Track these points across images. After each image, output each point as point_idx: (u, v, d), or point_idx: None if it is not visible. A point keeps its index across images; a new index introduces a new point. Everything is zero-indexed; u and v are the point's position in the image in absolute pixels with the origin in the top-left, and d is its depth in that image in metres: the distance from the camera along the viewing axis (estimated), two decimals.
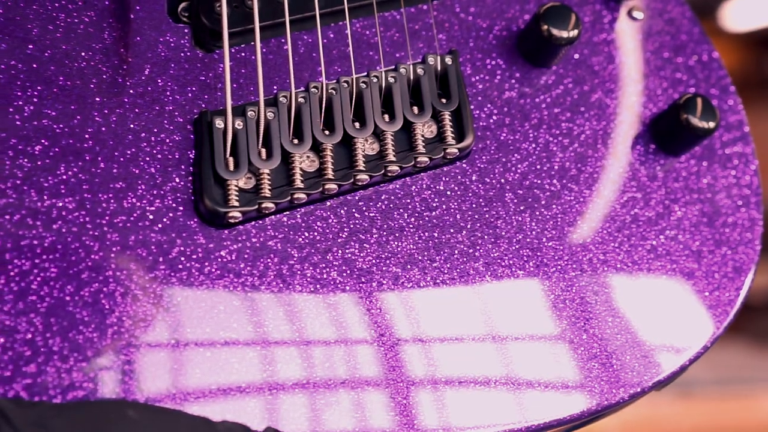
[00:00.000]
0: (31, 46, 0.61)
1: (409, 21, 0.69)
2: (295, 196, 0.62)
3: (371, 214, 0.64)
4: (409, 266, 0.63)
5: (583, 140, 0.70)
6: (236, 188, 0.61)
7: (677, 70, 0.74)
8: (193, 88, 0.63)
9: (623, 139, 0.71)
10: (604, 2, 0.74)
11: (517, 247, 0.66)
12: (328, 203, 0.63)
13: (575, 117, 0.70)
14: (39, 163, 0.59)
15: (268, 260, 0.61)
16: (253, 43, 0.65)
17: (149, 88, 0.63)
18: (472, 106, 0.68)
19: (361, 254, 0.63)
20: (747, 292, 0.70)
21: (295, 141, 0.63)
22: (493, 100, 0.69)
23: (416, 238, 0.64)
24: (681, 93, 0.73)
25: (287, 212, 0.62)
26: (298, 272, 0.61)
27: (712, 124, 0.70)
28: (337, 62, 0.66)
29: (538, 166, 0.68)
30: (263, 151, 0.62)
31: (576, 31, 0.69)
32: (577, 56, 0.72)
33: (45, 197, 0.58)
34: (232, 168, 0.61)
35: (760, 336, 1.93)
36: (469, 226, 0.65)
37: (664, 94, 0.73)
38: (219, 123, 0.62)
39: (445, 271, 0.64)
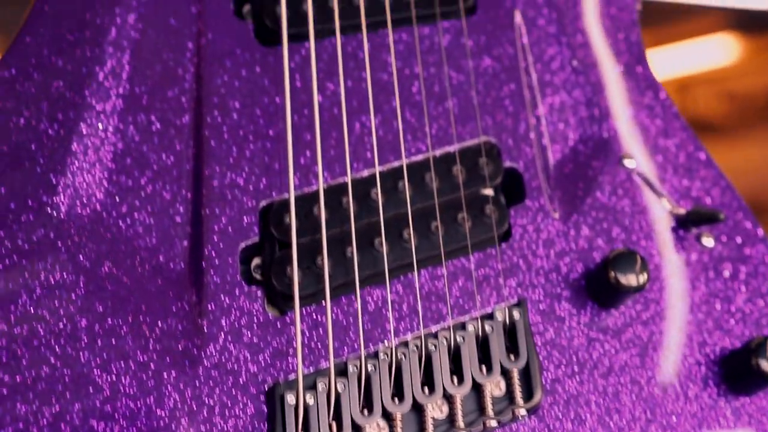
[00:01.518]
0: (110, 320, 0.63)
1: (477, 266, 0.69)
2: None
3: None
4: None
5: (653, 385, 0.69)
6: None
7: (749, 299, 0.73)
8: (266, 356, 0.65)
9: (694, 383, 0.70)
10: (673, 231, 0.74)
11: None
12: None
13: (644, 361, 0.70)
14: None
15: None
16: (324, 303, 0.66)
17: (223, 359, 0.64)
18: (540, 357, 0.68)
19: None
20: None
21: (365, 411, 0.64)
22: (562, 348, 0.69)
23: None
24: (752, 325, 0.72)
25: None
26: None
27: None
28: (406, 317, 0.67)
29: (608, 419, 0.68)
30: (334, 424, 0.63)
31: (644, 278, 0.69)
32: (648, 294, 0.72)
33: None
34: None
35: None
36: None
37: (735, 326, 0.72)
38: (290, 399, 0.63)
39: None
